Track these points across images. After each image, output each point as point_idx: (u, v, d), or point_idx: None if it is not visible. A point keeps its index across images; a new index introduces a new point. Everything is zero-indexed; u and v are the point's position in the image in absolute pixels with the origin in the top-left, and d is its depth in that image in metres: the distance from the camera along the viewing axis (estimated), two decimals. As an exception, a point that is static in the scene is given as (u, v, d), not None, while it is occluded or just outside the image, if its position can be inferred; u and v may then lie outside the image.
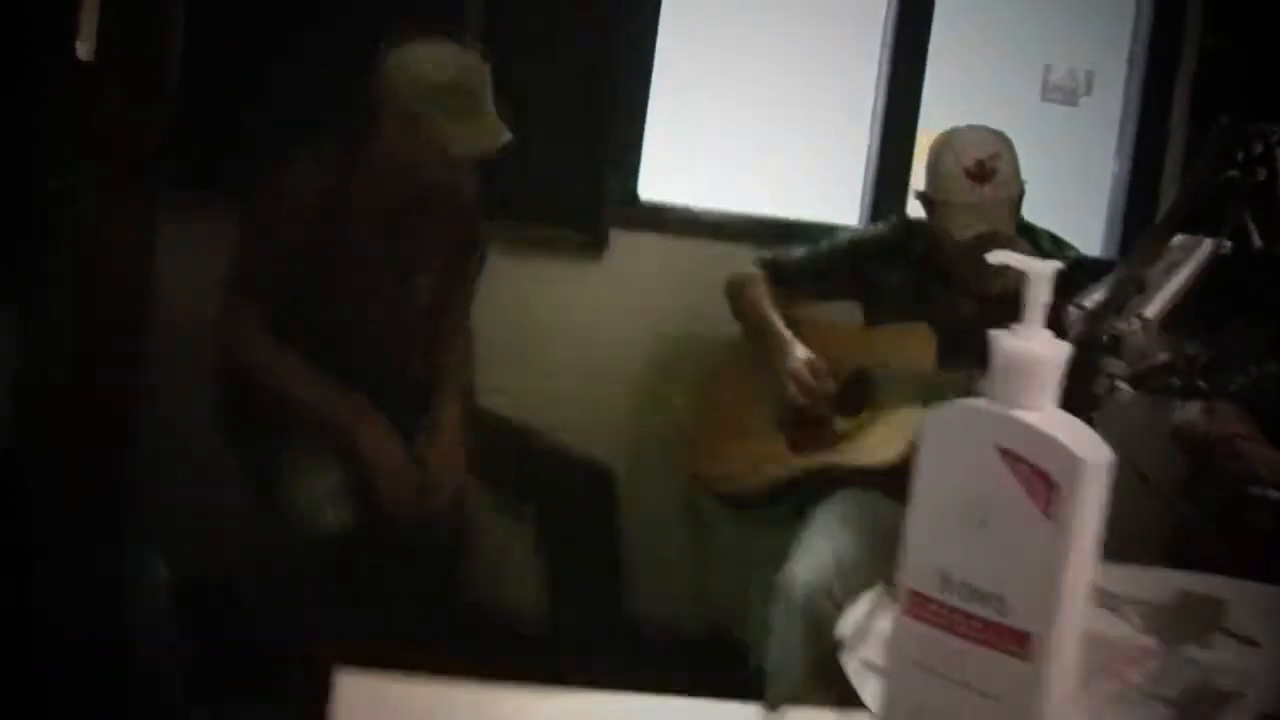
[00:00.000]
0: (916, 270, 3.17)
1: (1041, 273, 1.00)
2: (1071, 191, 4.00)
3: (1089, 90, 4.09)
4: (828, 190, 3.92)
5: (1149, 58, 4.00)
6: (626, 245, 3.65)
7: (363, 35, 3.01)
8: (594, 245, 3.63)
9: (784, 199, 3.84)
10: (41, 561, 2.08)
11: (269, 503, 2.92)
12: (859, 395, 3.11)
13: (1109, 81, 4.07)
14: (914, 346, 3.04)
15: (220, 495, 3.07)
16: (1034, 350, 0.99)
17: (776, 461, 3.16)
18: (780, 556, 2.86)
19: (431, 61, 2.89)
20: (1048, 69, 4.10)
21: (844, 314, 3.29)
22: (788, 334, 3.19)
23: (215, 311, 2.94)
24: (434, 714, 1.18)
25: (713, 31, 3.81)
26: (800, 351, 3.14)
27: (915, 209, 3.21)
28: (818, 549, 2.83)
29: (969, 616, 1.00)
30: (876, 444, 3.01)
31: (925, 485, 1.03)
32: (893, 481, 2.77)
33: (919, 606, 1.03)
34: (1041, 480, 0.97)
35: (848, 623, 1.70)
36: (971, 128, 3.08)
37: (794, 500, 3.08)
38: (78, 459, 2.42)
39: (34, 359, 2.49)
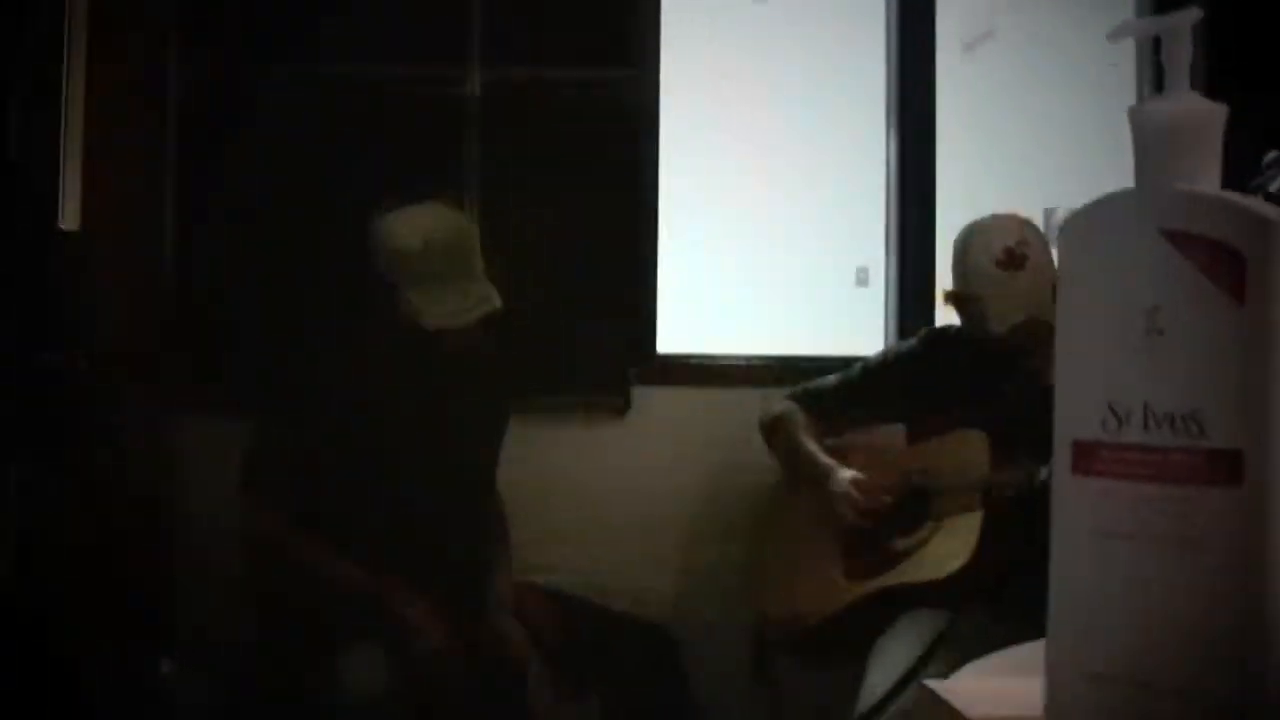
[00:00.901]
0: (956, 375, 3.01)
1: (1177, 26, 0.81)
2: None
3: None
4: (848, 322, 3.81)
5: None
6: (648, 401, 3.53)
7: (360, 208, 2.90)
8: (618, 407, 3.51)
9: (804, 338, 3.73)
10: None
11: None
12: (914, 511, 2.93)
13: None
14: (965, 452, 2.89)
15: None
16: (1189, 110, 0.80)
17: (838, 592, 2.95)
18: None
19: (407, 226, 2.77)
20: (1049, 212, 4.00)
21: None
22: (829, 460, 3.05)
23: (239, 502, 2.78)
24: None
25: (713, 168, 3.75)
26: (845, 473, 2.99)
27: (944, 317, 3.06)
28: (898, 657, 2.61)
29: (1154, 451, 0.78)
30: (940, 556, 2.82)
31: (1075, 304, 0.83)
32: (961, 594, 2.70)
33: (1087, 458, 0.81)
34: (1227, 258, 0.76)
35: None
36: (994, 217, 2.96)
37: (859, 630, 2.85)
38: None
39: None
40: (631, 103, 3.50)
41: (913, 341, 3.16)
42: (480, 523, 3.01)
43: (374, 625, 2.65)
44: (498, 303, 2.77)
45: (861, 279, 3.90)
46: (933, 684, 0.92)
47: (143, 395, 3.00)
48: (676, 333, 3.63)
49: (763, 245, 3.83)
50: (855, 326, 3.78)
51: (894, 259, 3.75)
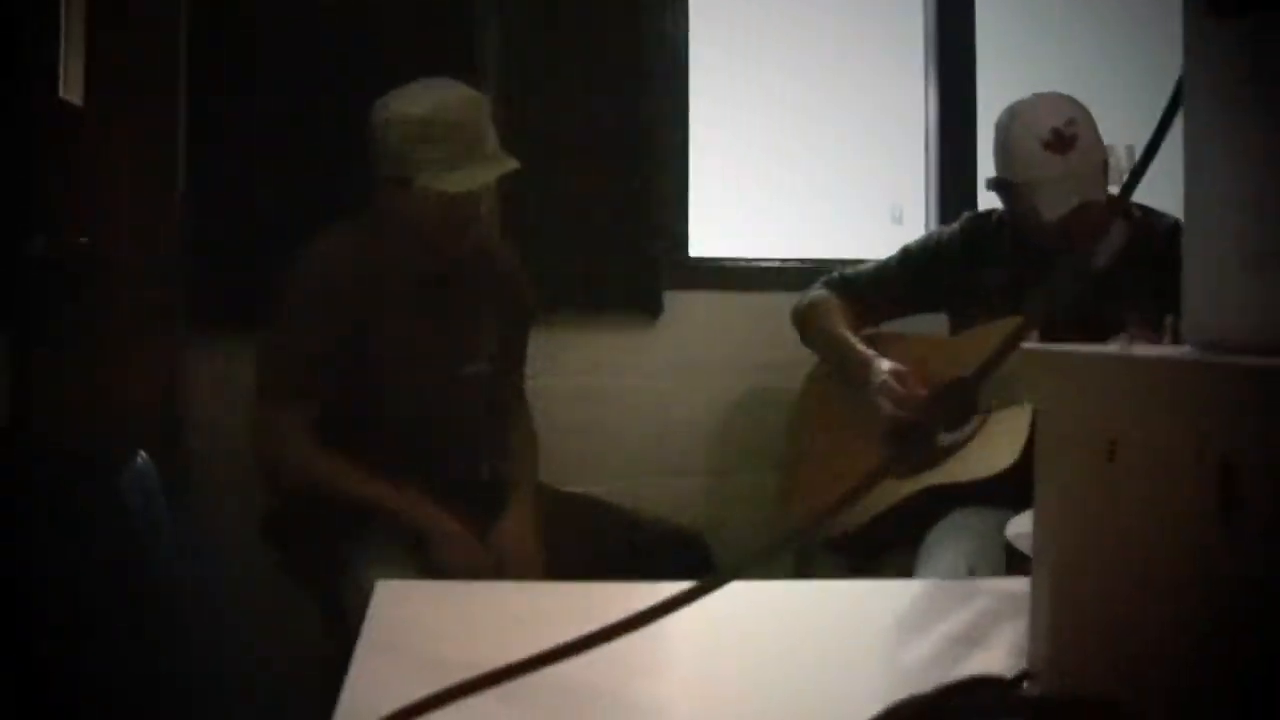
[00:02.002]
0: (1001, 262, 2.84)
1: None
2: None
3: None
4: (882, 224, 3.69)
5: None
6: (681, 305, 3.42)
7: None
8: (650, 311, 3.40)
9: (838, 241, 3.61)
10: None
11: (332, 608, 2.58)
12: (959, 405, 2.71)
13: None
14: None
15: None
16: None
17: (881, 490, 2.73)
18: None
19: (410, 98, 2.63)
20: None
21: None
22: (868, 350, 2.88)
23: (255, 423, 2.67)
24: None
25: (745, 92, 3.64)
26: (885, 364, 2.82)
27: (986, 200, 2.92)
28: (946, 560, 2.46)
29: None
30: (988, 452, 2.65)
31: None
32: (1012, 490, 2.45)
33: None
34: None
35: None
36: (1038, 96, 2.78)
37: (905, 529, 2.71)
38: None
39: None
40: (660, 13, 3.38)
41: (954, 227, 2.98)
42: (504, 432, 2.89)
43: (398, 541, 2.54)
44: (514, 163, 2.64)
45: (896, 216, 3.78)
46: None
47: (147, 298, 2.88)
48: (708, 241, 3.54)
49: (799, 176, 3.71)
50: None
51: (932, 196, 3.62)
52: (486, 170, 2.63)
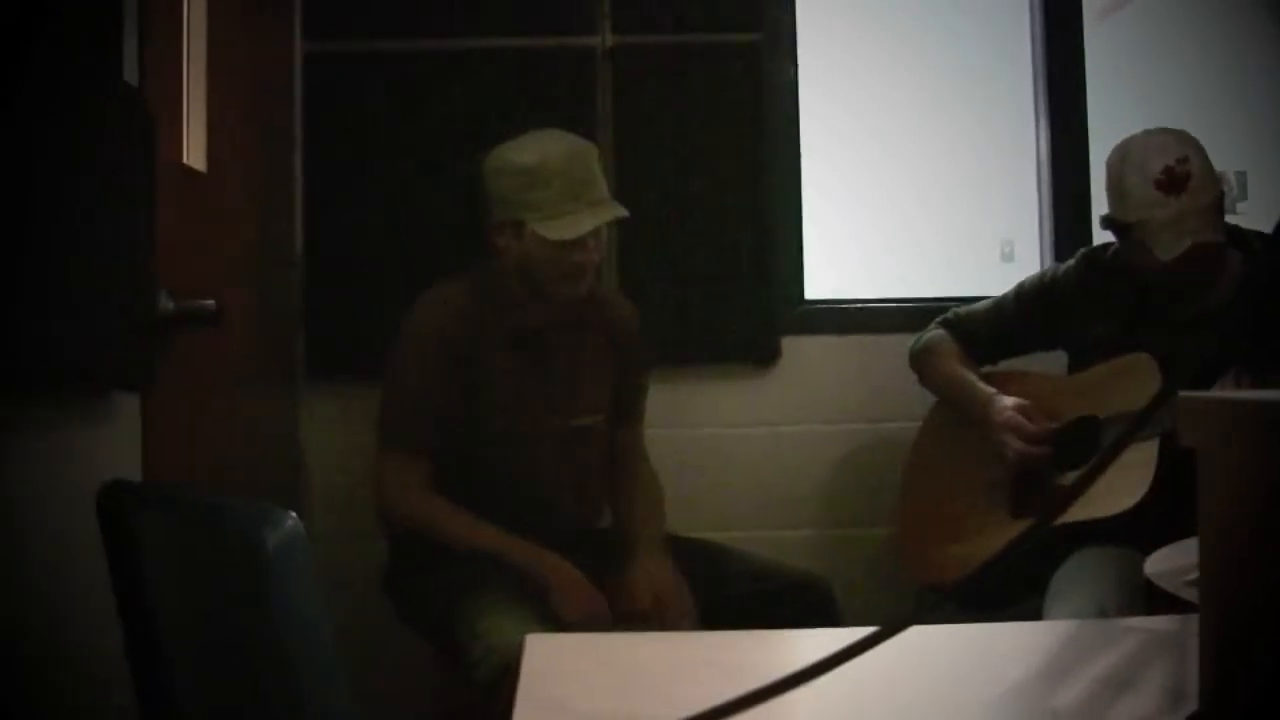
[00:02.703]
0: (1119, 299, 2.79)
1: None
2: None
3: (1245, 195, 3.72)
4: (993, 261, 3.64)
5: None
6: (796, 349, 3.41)
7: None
8: (766, 361, 3.41)
9: (950, 279, 3.59)
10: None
11: (452, 658, 2.56)
12: (1082, 444, 2.71)
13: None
14: (1134, 378, 2.66)
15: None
16: None
17: (999, 534, 2.75)
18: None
19: (519, 147, 2.67)
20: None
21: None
22: (989, 387, 2.85)
23: (377, 474, 2.70)
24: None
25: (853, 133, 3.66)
26: (1007, 400, 2.78)
27: (1102, 234, 2.87)
28: (1076, 601, 2.41)
29: None
30: (1112, 491, 2.57)
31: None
32: (1136, 530, 2.47)
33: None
34: None
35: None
36: (1148, 133, 2.71)
37: (1023, 573, 2.65)
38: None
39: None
40: (770, 62, 3.39)
41: (1071, 263, 2.92)
42: (624, 482, 2.89)
43: (517, 590, 2.53)
44: (622, 210, 2.66)
45: (1007, 253, 3.75)
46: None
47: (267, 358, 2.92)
48: (822, 281, 3.52)
49: (908, 214, 3.71)
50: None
51: (1045, 231, 3.55)
52: (594, 216, 2.64)
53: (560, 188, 2.61)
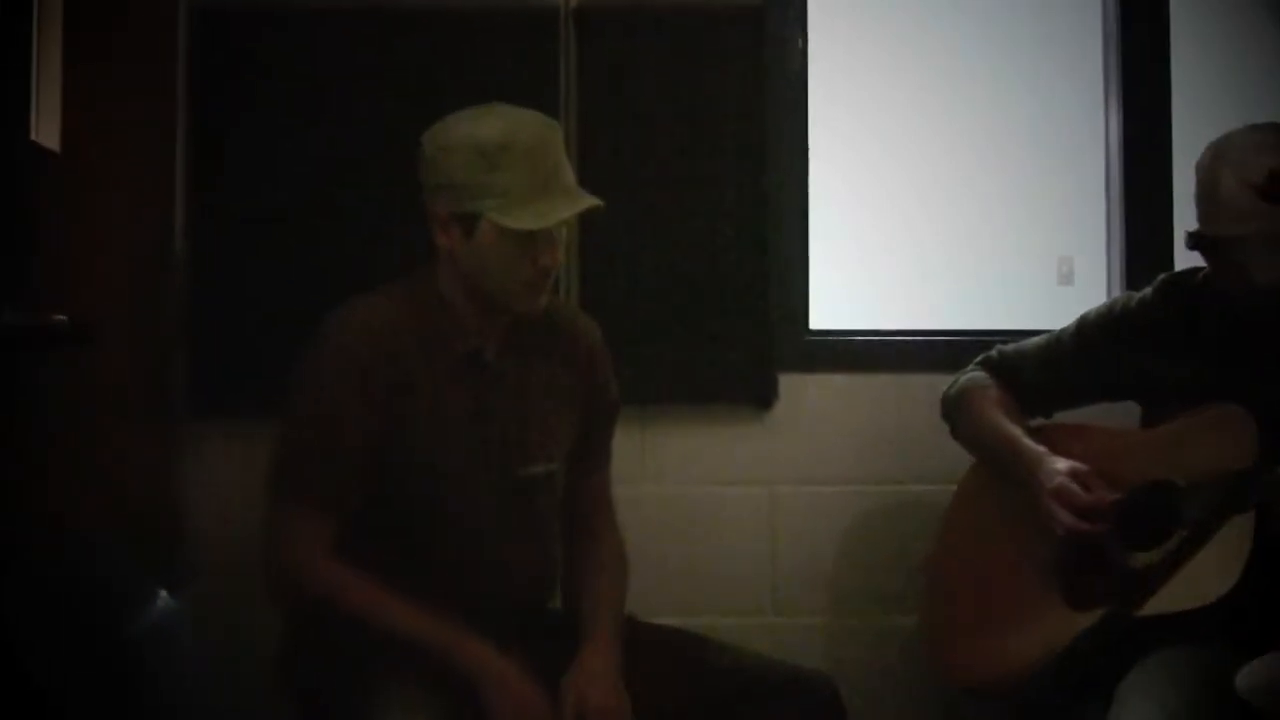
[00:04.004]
0: (1207, 337, 2.74)
1: None
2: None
3: None
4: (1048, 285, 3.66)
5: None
6: (797, 390, 3.43)
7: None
8: (761, 403, 3.41)
9: (992, 308, 3.59)
10: None
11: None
12: (1158, 516, 2.65)
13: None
14: (1224, 436, 2.63)
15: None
16: None
17: (1052, 627, 2.70)
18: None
19: (475, 120, 2.62)
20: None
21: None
22: (1038, 447, 2.79)
23: (269, 533, 2.64)
24: None
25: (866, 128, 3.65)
26: (1061, 463, 2.72)
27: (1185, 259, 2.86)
28: (1146, 715, 2.36)
29: None
30: (1196, 577, 2.55)
31: None
32: (1225, 628, 2.48)
33: None
34: None
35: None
36: (1249, 130, 2.65)
37: (1089, 675, 2.62)
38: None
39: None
40: (774, 29, 3.41)
41: (1147, 291, 2.86)
42: (582, 548, 2.85)
43: (439, 687, 2.47)
44: (596, 200, 2.61)
45: (1065, 275, 3.74)
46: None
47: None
48: (829, 310, 3.53)
49: (939, 225, 3.70)
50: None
51: (1114, 250, 3.54)
52: (567, 204, 2.59)
53: (528, 170, 2.56)
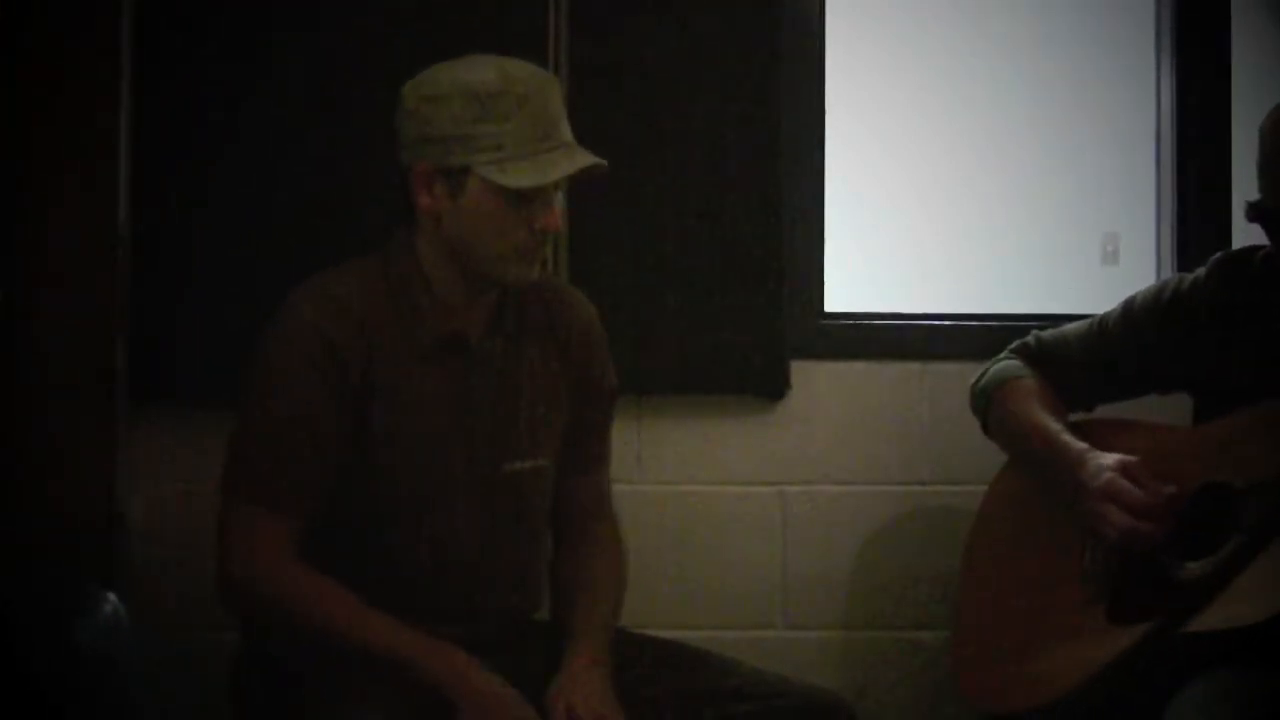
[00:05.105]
0: (1269, 326, 2.77)
1: None
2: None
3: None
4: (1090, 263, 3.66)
5: None
6: (810, 379, 3.45)
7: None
8: (770, 394, 3.43)
9: (1028, 289, 3.63)
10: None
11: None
12: (1212, 521, 2.67)
13: None
14: None
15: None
16: None
17: (1092, 643, 2.72)
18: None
19: (466, 67, 2.62)
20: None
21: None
22: (1078, 442, 2.82)
23: (224, 534, 2.65)
24: None
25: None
26: (1105, 458, 2.74)
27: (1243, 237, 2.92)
28: None
29: None
30: (1251, 588, 2.56)
31: None
32: None
33: None
34: None
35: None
36: None
37: (1133, 696, 2.62)
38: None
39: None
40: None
41: (1201, 272, 2.90)
42: (575, 552, 2.87)
43: (411, 703, 2.49)
44: (597, 159, 2.60)
45: (1109, 253, 3.77)
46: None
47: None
48: (846, 290, 3.56)
49: (969, 199, 3.75)
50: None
51: (1165, 225, 3.57)
52: (568, 161, 2.58)
53: (527, 120, 2.56)
